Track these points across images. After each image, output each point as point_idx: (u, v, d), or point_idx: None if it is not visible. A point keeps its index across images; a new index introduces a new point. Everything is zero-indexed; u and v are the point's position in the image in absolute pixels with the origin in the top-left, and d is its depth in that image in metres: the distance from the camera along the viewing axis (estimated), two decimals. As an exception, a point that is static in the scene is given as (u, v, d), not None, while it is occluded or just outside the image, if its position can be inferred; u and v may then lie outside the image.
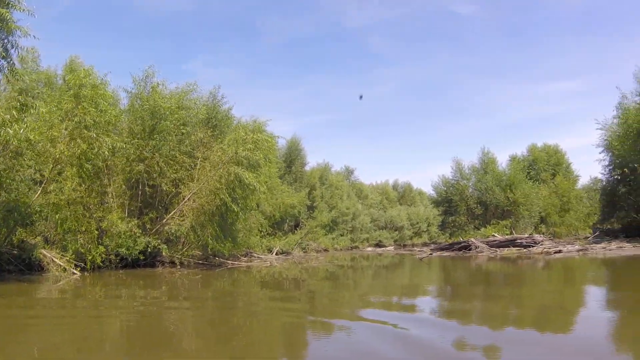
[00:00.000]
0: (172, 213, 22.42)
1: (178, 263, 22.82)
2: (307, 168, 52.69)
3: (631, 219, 34.26)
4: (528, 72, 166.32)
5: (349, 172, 68.11)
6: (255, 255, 32.67)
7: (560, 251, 26.93)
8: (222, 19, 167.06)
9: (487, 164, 49.41)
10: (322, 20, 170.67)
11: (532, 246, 30.54)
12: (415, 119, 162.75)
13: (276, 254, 35.19)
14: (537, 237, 32.00)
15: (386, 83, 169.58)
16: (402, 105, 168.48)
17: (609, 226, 40.54)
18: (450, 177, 51.10)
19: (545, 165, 57.78)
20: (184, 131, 24.43)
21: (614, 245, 26.40)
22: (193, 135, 25.10)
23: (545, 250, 27.99)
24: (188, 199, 22.29)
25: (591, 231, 52.35)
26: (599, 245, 27.01)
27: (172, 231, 21.53)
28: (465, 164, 50.31)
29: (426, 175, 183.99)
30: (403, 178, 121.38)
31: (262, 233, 35.13)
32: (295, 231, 44.45)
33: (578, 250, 26.49)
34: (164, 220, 22.41)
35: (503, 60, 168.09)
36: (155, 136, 22.77)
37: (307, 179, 50.65)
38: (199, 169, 23.20)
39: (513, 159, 53.45)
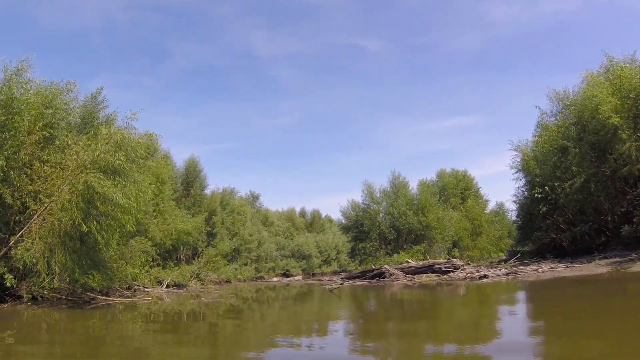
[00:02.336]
0: (18, 234, 17.39)
1: (27, 299, 17.72)
2: (208, 192, 48.11)
3: (550, 239, 32.66)
4: (427, 107, 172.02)
5: (254, 197, 63.95)
6: (142, 288, 27.86)
7: (486, 276, 24.24)
8: (131, 39, 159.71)
9: (398, 187, 46.98)
10: (231, 48, 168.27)
11: (452, 271, 27.85)
12: (320, 149, 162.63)
13: (167, 286, 30.41)
14: (457, 261, 29.40)
15: (292, 114, 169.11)
16: (307, 136, 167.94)
17: (525, 248, 39.16)
18: (361, 202, 48.20)
19: (455, 190, 56.68)
20: (46, 134, 19.56)
21: (545, 266, 24.07)
22: (58, 141, 20.23)
23: (469, 275, 25.26)
24: (37, 217, 17.30)
25: (503, 254, 51.32)
26: (529, 268, 24.58)
27: (18, 257, 16.46)
28: (377, 188, 47.68)
29: (334, 202, 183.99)
30: (312, 205, 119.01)
31: (151, 263, 30.31)
32: (193, 261, 39.66)
33: (507, 274, 23.88)
34: (10, 244, 17.34)
35: (405, 95, 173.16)
36: (3, 135, 17.74)
37: (207, 204, 45.92)
38: (53, 178, 18.16)
39: (422, 183, 51.24)
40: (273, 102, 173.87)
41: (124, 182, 17.55)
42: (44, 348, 10.35)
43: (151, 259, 29.13)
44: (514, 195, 41.78)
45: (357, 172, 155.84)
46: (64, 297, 19.62)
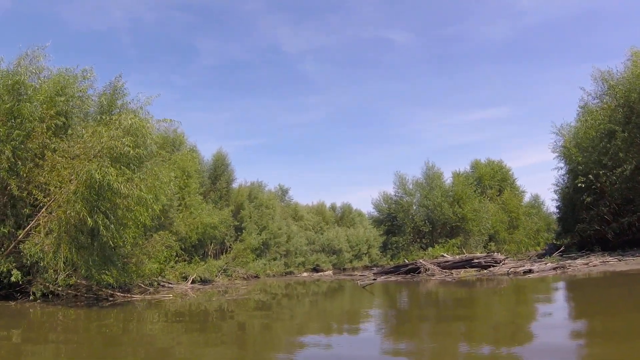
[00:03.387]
0: (26, 228, 16.34)
1: (37, 296, 16.72)
2: (235, 185, 47.10)
3: (594, 231, 30.54)
4: (456, 99, 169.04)
5: (283, 191, 62.65)
6: (166, 284, 26.87)
7: (530, 270, 22.39)
8: (158, 38, 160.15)
9: (432, 178, 44.79)
10: (259, 44, 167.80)
11: (493, 266, 26.08)
12: (349, 143, 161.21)
13: (193, 282, 29.31)
14: (498, 255, 27.55)
15: (320, 108, 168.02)
16: (336, 130, 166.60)
17: (565, 241, 37.13)
18: (393, 194, 46.15)
19: (491, 181, 54.12)
20: (58, 122, 18.49)
21: (595, 260, 22.10)
22: (71, 130, 19.15)
23: (512, 270, 23.48)
24: (45, 210, 16.15)
25: (539, 248, 48.99)
26: (578, 262, 22.59)
27: (25, 252, 15.39)
28: (409, 179, 45.51)
29: (364, 196, 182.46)
30: (341, 200, 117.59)
31: (176, 258, 29.31)
32: (222, 256, 38.65)
33: (554, 269, 21.99)
34: (19, 238, 16.31)
35: (434, 87, 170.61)
36: (9, 123, 16.66)
37: (235, 197, 44.91)
38: (58, 168, 16.89)
39: (456, 174, 48.70)
40: (301, 97, 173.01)
41: (131, 173, 16.08)
42: (51, 347, 9.30)
43: (175, 254, 28.03)
44: (554, 184, 39.69)
45: (386, 166, 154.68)
46: (78, 294, 18.65)
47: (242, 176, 60.92)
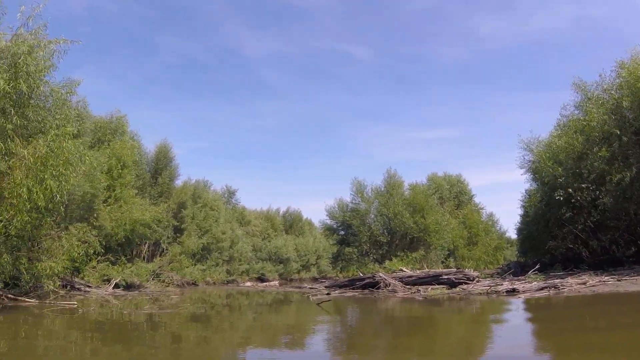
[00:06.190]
0: None
1: None
2: (179, 182, 42.69)
3: (566, 249, 27.92)
4: (410, 116, 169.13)
5: (230, 193, 58.19)
6: (82, 287, 22.66)
7: (514, 290, 19.13)
8: (118, 30, 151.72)
9: (393, 187, 41.51)
10: (220, 46, 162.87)
11: (466, 283, 22.90)
12: (301, 153, 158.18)
13: (116, 286, 25.05)
14: (470, 272, 24.41)
15: (275, 116, 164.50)
16: (288, 139, 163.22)
17: (524, 259, 34.90)
18: (349, 201, 42.44)
19: (448, 194, 51.23)
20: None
21: (591, 279, 19.10)
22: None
23: (492, 288, 20.28)
24: None
25: (493, 266, 46.50)
26: (571, 281, 19.50)
27: None
28: (368, 186, 42.08)
29: (312, 208, 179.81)
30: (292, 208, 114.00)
31: (99, 257, 25.01)
32: (155, 259, 34.30)
33: (543, 288, 18.77)
34: None
35: (389, 103, 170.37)
36: None
37: (177, 195, 40.47)
38: None
39: (413, 186, 45.22)
40: (257, 103, 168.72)
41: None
42: None
43: (94, 252, 23.33)
44: (520, 200, 37.60)
45: (337, 177, 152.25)
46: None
47: (189, 177, 55.96)
